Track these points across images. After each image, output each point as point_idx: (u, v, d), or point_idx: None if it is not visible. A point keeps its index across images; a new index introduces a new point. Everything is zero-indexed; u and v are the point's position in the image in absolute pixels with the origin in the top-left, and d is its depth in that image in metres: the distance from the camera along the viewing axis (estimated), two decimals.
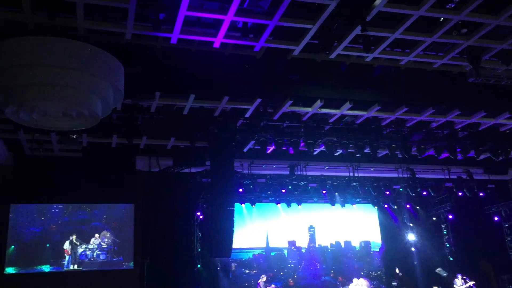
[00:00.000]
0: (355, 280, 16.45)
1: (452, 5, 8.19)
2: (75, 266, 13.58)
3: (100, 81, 7.60)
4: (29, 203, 13.62)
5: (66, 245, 13.65)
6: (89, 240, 13.89)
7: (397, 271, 17.64)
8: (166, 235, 14.42)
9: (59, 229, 13.77)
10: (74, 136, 11.93)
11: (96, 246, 13.89)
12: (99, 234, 14.01)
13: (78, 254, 13.70)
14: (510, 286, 16.79)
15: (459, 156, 13.99)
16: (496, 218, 17.70)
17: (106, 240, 14.01)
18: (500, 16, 8.45)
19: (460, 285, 15.76)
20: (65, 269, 13.46)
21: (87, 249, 13.80)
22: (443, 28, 8.86)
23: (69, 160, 13.87)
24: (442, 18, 8.70)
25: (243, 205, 16.64)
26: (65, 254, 13.57)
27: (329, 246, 18.70)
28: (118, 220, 14.22)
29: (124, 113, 11.43)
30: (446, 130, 13.48)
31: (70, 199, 13.85)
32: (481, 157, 14.51)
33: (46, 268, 13.31)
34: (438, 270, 17.09)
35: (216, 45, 9.07)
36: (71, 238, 13.73)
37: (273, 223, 18.20)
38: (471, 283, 15.80)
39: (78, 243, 13.76)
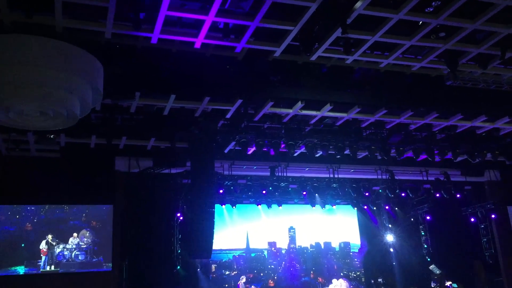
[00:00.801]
0: (334, 280, 16.58)
1: (431, 9, 8.33)
2: (52, 267, 13.24)
3: (78, 80, 7.50)
4: (5, 204, 13.28)
5: (43, 245, 13.27)
6: (67, 240, 13.56)
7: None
8: (145, 236, 14.25)
9: (35, 228, 13.35)
10: (52, 136, 11.74)
11: (74, 246, 13.53)
12: (78, 233, 13.68)
13: (55, 254, 13.32)
14: (487, 287, 17.08)
15: (437, 158, 14.19)
16: (472, 219, 17.96)
17: (85, 239, 13.67)
18: (477, 20, 8.60)
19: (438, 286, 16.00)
20: (41, 270, 13.11)
21: (65, 249, 13.44)
22: (421, 32, 8.98)
23: (47, 161, 13.62)
24: (420, 22, 8.82)
25: (223, 206, 16.57)
26: (42, 255, 13.21)
27: (309, 247, 18.75)
28: (98, 219, 13.87)
29: (103, 113, 11.27)
30: (424, 132, 13.66)
31: (47, 200, 13.55)
32: (458, 159, 14.73)
33: (21, 270, 12.97)
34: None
35: (197, 45, 9.03)
36: (47, 238, 13.38)
37: (253, 224, 18.20)
38: (449, 283, 16.05)
39: (54, 243, 13.41)
